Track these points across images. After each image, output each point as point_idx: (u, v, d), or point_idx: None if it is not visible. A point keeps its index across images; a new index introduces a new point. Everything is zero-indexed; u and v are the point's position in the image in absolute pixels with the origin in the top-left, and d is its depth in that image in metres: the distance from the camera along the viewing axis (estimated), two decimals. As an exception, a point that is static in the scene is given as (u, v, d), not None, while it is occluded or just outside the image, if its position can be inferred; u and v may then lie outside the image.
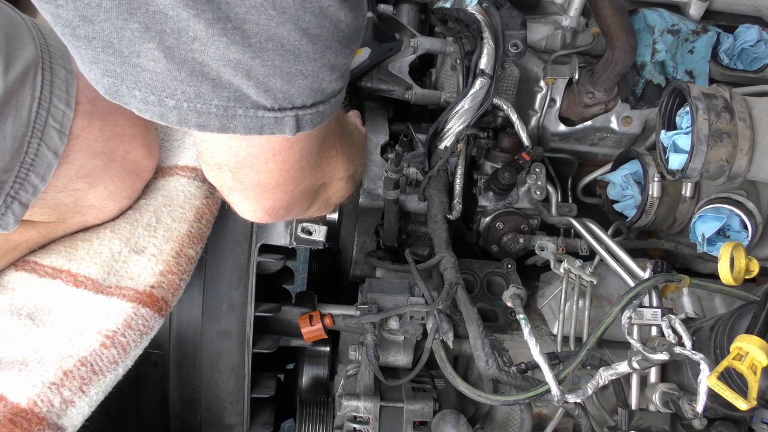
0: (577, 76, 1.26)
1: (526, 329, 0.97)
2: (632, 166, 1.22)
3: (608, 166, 1.30)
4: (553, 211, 1.27)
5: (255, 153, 0.64)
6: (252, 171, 0.66)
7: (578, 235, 1.20)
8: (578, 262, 1.12)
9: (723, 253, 0.88)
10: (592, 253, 1.16)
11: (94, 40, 0.50)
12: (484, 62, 1.14)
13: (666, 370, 1.01)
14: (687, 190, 1.16)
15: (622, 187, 1.23)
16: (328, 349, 1.30)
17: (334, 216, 1.29)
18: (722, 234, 1.12)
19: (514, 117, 1.26)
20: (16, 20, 0.82)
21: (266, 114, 0.56)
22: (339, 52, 0.56)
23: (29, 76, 0.79)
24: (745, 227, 1.10)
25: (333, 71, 0.57)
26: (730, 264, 0.88)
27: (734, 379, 0.85)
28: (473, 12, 1.15)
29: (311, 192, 0.78)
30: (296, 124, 0.58)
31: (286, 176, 0.68)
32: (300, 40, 0.52)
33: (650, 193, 1.16)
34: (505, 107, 1.26)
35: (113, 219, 0.99)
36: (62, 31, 0.51)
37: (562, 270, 1.12)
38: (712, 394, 0.86)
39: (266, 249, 1.13)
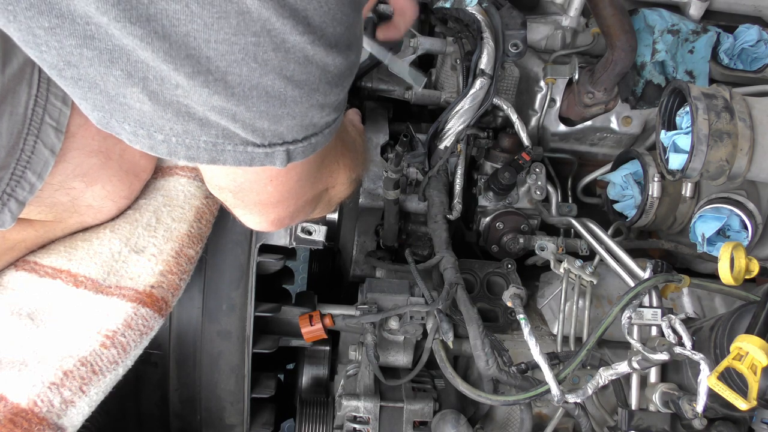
0: (577, 76, 1.26)
1: (526, 329, 0.97)
2: (632, 166, 1.22)
3: (608, 166, 1.30)
4: (553, 211, 1.27)
5: (253, 179, 0.65)
6: (252, 193, 0.67)
7: (578, 235, 1.20)
8: (578, 262, 1.12)
9: (723, 253, 0.88)
10: (592, 253, 1.16)
11: (80, 81, 0.51)
12: (484, 62, 1.14)
13: (666, 370, 1.01)
14: (687, 190, 1.16)
15: (622, 187, 1.23)
16: (328, 349, 1.30)
17: (334, 216, 1.30)
18: (722, 234, 1.12)
19: (514, 117, 1.26)
20: None
21: (256, 150, 0.56)
22: (328, 92, 0.56)
23: (26, 74, 0.79)
24: (745, 227, 1.10)
25: (323, 109, 0.57)
26: (730, 264, 0.88)
27: (734, 379, 0.85)
28: (473, 12, 1.15)
29: (314, 201, 0.78)
30: (287, 157, 0.58)
31: (286, 195, 0.69)
32: (285, 87, 0.52)
33: (650, 193, 1.16)
34: (505, 107, 1.26)
35: (113, 219, 0.99)
36: (49, 71, 0.52)
37: (562, 270, 1.12)
38: (712, 394, 0.86)
39: (266, 249, 1.13)
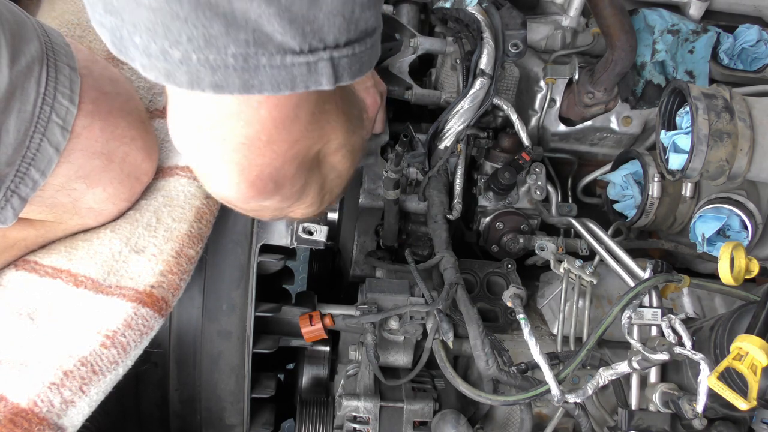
0: (577, 76, 1.26)
1: (526, 329, 0.97)
2: (632, 166, 1.22)
3: (608, 166, 1.30)
4: (553, 211, 1.27)
5: (238, 100, 0.53)
6: (240, 122, 0.55)
7: (578, 235, 1.20)
8: (578, 262, 1.12)
9: (723, 253, 0.88)
10: (592, 253, 1.16)
11: None
12: (484, 62, 1.14)
13: (666, 370, 1.01)
14: (687, 190, 1.16)
15: (622, 187, 1.23)
16: (328, 349, 1.30)
17: (334, 216, 1.29)
18: (722, 234, 1.12)
19: (514, 117, 1.26)
20: (21, 18, 0.82)
21: (296, 60, 0.47)
22: None
23: (34, 72, 0.80)
24: (745, 227, 1.10)
25: (363, 5, 0.48)
26: (730, 264, 0.88)
27: (734, 379, 0.85)
28: (473, 12, 1.15)
29: (304, 162, 0.68)
30: (333, 72, 0.49)
31: (279, 128, 0.58)
32: None
33: (650, 193, 1.16)
34: (505, 107, 1.26)
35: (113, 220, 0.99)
36: None
37: (562, 270, 1.12)
38: (712, 394, 0.86)
39: (266, 249, 1.13)
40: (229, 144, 0.57)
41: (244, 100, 0.53)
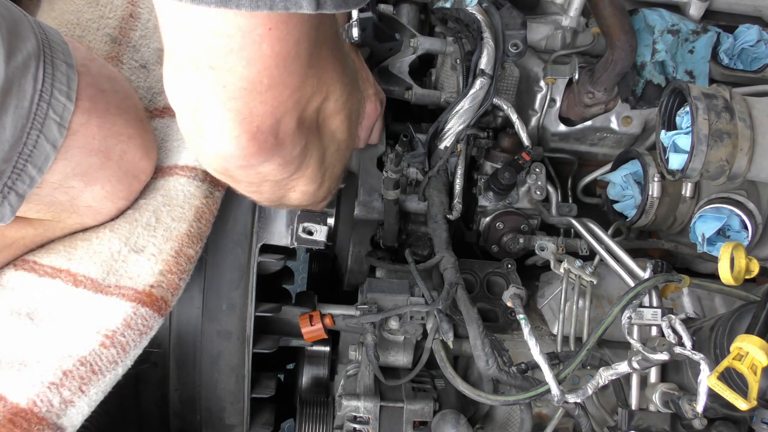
0: (577, 76, 1.26)
1: (526, 329, 0.97)
2: (632, 166, 1.22)
3: (608, 166, 1.30)
4: (553, 211, 1.27)
5: (247, 29, 0.52)
6: (242, 61, 0.54)
7: (578, 235, 1.20)
8: (578, 262, 1.12)
9: (723, 253, 0.88)
10: (592, 253, 1.16)
11: None
12: (484, 62, 1.13)
13: (666, 370, 1.01)
14: (687, 190, 1.16)
15: (622, 187, 1.23)
16: (328, 349, 1.30)
17: (331, 221, 1.28)
18: (722, 234, 1.12)
19: (514, 117, 1.26)
20: (18, 15, 0.82)
21: None
22: None
23: (30, 68, 0.80)
24: (745, 227, 1.10)
25: None
26: (730, 264, 0.88)
27: (734, 379, 0.84)
28: (473, 12, 1.15)
29: (305, 118, 0.66)
30: None
31: (281, 67, 0.57)
32: None
33: (650, 193, 1.16)
34: (505, 107, 1.26)
35: (112, 219, 0.99)
36: None
37: (562, 270, 1.12)
38: (712, 394, 0.86)
39: (266, 249, 1.13)
40: (229, 90, 0.56)
41: (247, 32, 0.52)
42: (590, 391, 0.93)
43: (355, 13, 1.07)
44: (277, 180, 0.74)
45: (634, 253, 1.11)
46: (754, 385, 0.81)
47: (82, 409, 0.83)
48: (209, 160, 0.68)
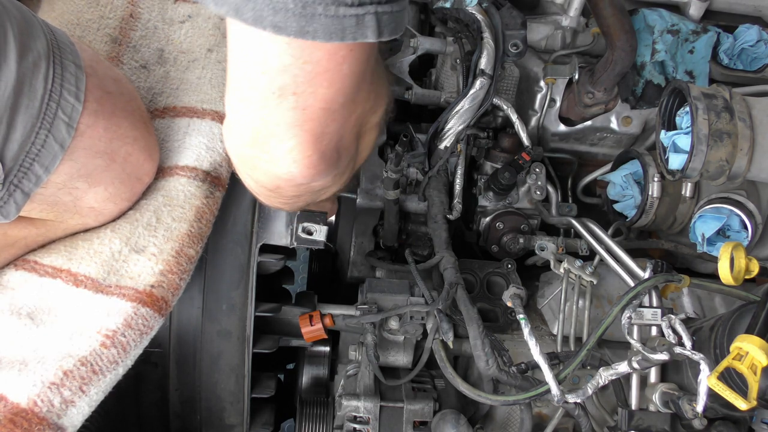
0: (577, 76, 1.26)
1: (526, 329, 0.97)
2: (632, 166, 1.22)
3: (608, 166, 1.30)
4: (553, 211, 1.27)
5: (328, 56, 0.57)
6: (324, 82, 0.59)
7: (578, 235, 1.20)
8: (578, 262, 1.12)
9: (723, 253, 0.88)
10: (592, 253, 1.16)
11: None
12: (484, 62, 1.14)
13: (666, 370, 1.01)
14: (687, 190, 1.16)
15: (622, 187, 1.23)
16: (328, 349, 1.30)
17: (332, 218, 1.29)
18: (722, 234, 1.12)
19: (514, 117, 1.26)
20: (29, 15, 0.82)
21: (347, 11, 0.52)
22: None
23: (41, 68, 0.80)
24: (745, 227, 1.10)
25: None
26: (730, 264, 0.88)
27: (734, 379, 0.85)
28: (473, 12, 1.15)
29: (356, 132, 0.71)
30: (377, 26, 0.53)
31: (354, 86, 0.61)
32: None
33: (650, 193, 1.16)
34: (505, 107, 1.26)
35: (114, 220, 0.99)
36: None
37: (562, 270, 1.12)
38: (712, 394, 0.86)
39: (266, 249, 1.13)
40: (309, 112, 0.60)
41: (332, 55, 0.56)
42: (590, 391, 0.93)
43: None
44: (320, 190, 0.77)
45: (634, 253, 1.11)
46: (754, 385, 0.81)
47: (82, 409, 0.83)
48: (266, 180, 0.70)
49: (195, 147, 1.03)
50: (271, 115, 0.60)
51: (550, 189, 1.27)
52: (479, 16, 1.15)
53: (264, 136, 0.63)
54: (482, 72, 1.13)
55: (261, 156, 0.66)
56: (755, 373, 0.81)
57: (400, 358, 1.17)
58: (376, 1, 0.53)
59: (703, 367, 0.87)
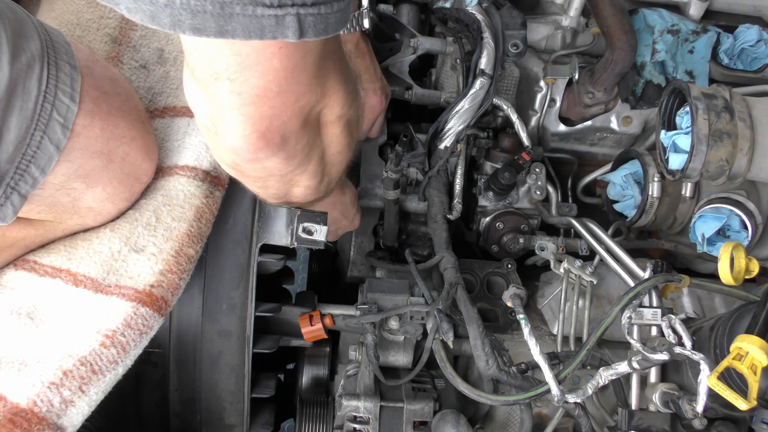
0: (577, 76, 1.26)
1: (526, 329, 0.97)
2: (632, 166, 1.22)
3: (608, 166, 1.30)
4: (553, 211, 1.27)
5: (258, 49, 0.60)
6: (255, 73, 0.62)
7: (578, 235, 1.20)
8: (578, 262, 1.12)
9: (723, 253, 0.88)
10: (592, 253, 1.16)
11: None
12: (484, 62, 1.14)
13: (666, 370, 1.01)
14: (687, 190, 1.16)
15: (622, 187, 1.24)
16: (328, 349, 1.30)
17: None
18: (722, 234, 1.12)
19: (514, 117, 1.26)
20: (22, 16, 0.82)
21: (266, 12, 0.53)
22: None
23: (35, 69, 0.80)
24: (745, 227, 1.10)
25: None
26: (730, 264, 0.88)
27: (734, 379, 0.85)
28: (473, 12, 1.15)
29: (308, 120, 0.74)
30: (299, 27, 0.55)
31: (289, 78, 0.65)
32: None
33: (650, 193, 1.16)
34: (505, 107, 1.26)
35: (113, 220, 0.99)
36: None
37: (562, 270, 1.12)
38: (712, 394, 0.86)
39: (266, 249, 1.13)
40: (244, 96, 0.64)
41: (260, 50, 0.60)
42: (590, 391, 0.93)
43: (365, 2, 1.07)
44: (282, 174, 0.81)
45: (634, 253, 1.11)
46: (754, 385, 0.81)
47: (82, 409, 0.83)
48: (223, 155, 0.76)
49: (195, 146, 1.03)
50: (213, 96, 0.65)
51: (550, 189, 1.27)
52: (479, 16, 1.15)
53: (211, 116, 0.69)
54: (482, 72, 1.13)
55: (213, 134, 0.72)
56: (755, 373, 0.81)
57: (400, 358, 1.17)
58: (299, 3, 0.54)
59: (703, 367, 0.87)
